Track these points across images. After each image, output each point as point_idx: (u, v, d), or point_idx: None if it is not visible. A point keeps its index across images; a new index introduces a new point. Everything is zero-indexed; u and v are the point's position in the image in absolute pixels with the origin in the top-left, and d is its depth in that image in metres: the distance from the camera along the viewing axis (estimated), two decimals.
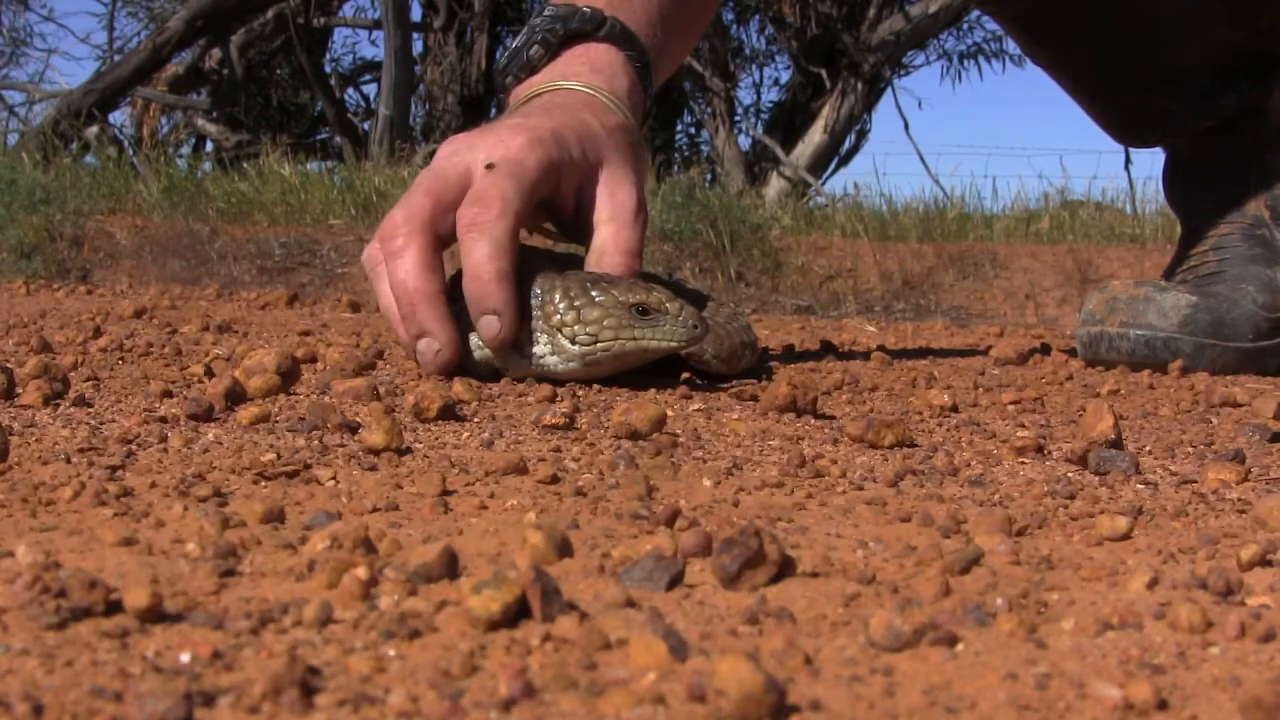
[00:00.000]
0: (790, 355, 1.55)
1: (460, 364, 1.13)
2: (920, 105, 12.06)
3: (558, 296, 1.09)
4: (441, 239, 1.09)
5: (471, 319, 1.09)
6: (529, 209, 1.10)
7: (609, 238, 1.14)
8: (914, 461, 0.81)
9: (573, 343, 1.08)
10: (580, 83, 1.18)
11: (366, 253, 1.14)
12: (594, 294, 1.08)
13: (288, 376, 1.00)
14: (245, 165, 4.34)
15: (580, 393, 1.07)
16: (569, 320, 1.08)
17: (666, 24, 1.26)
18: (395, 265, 1.08)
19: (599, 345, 1.08)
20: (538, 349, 1.10)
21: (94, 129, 5.15)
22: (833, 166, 6.40)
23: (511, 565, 0.54)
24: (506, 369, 1.13)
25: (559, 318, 1.08)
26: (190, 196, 3.62)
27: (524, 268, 1.14)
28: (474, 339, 1.13)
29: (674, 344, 1.08)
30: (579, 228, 1.18)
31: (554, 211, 1.18)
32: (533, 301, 1.11)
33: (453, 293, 1.11)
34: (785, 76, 6.82)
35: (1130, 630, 0.47)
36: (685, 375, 1.19)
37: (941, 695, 0.40)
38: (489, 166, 1.08)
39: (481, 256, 1.05)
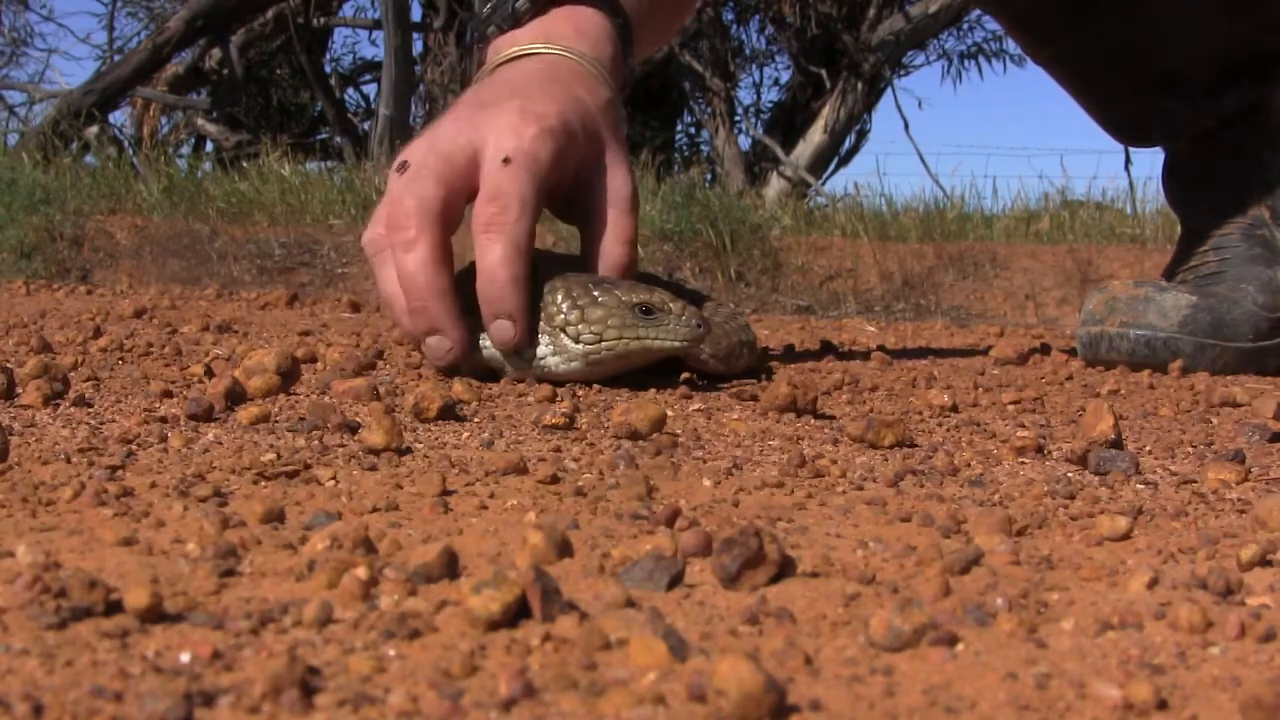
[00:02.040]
0: (790, 355, 1.55)
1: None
2: (920, 105, 12.04)
3: (560, 296, 1.09)
4: (451, 228, 1.08)
5: (484, 321, 1.08)
6: (542, 206, 1.10)
7: (611, 225, 1.13)
8: (914, 461, 0.81)
9: (576, 341, 1.08)
10: (566, 47, 1.15)
11: (368, 236, 1.10)
12: (596, 294, 1.08)
13: (288, 376, 1.00)
14: (245, 165, 4.34)
15: (580, 393, 1.07)
16: (573, 319, 1.08)
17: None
18: (406, 258, 1.05)
19: (603, 344, 1.08)
20: (539, 349, 1.10)
21: (94, 129, 5.15)
22: (833, 166, 6.40)
23: (511, 565, 0.54)
24: (506, 369, 1.13)
25: (562, 317, 1.08)
26: (190, 196, 3.62)
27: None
28: (473, 339, 1.14)
29: (677, 343, 1.08)
30: (573, 211, 1.17)
31: (552, 195, 1.15)
32: (556, 317, 1.10)
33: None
34: (785, 76, 6.82)
35: (1130, 630, 0.47)
36: (685, 375, 1.19)
37: (941, 695, 0.40)
38: (505, 160, 1.06)
39: (497, 259, 1.04)
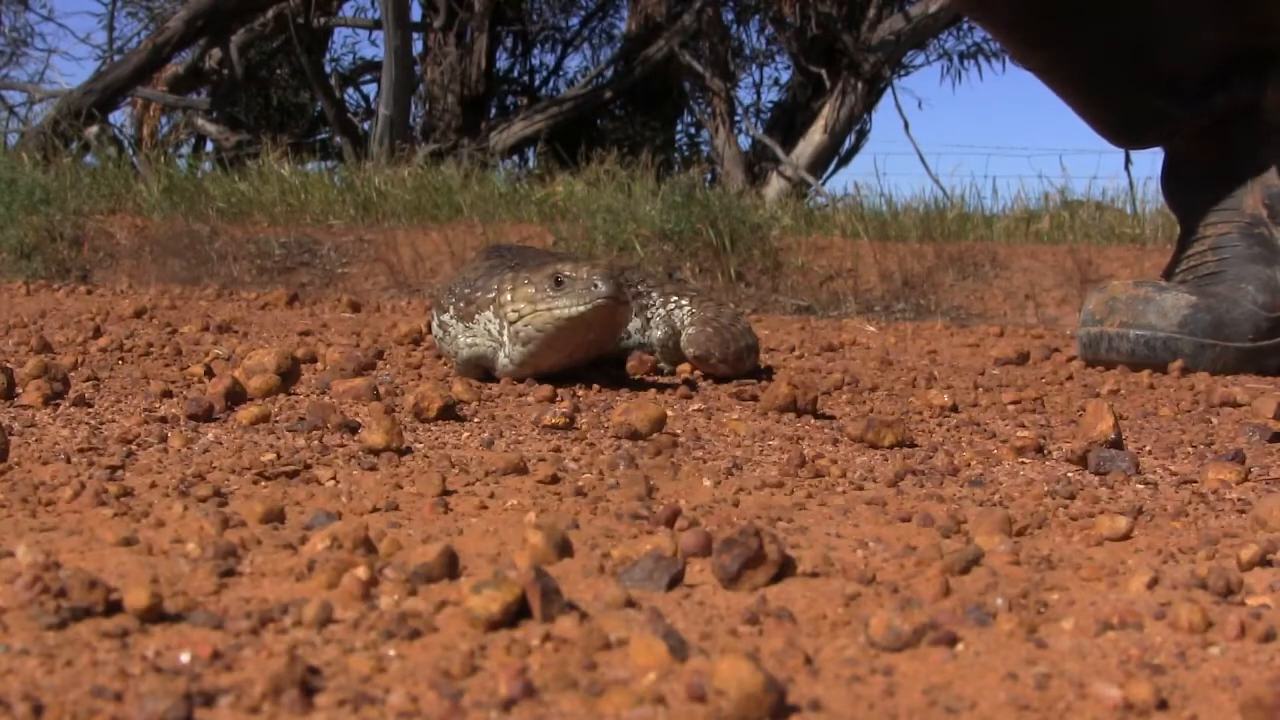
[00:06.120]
0: (790, 355, 1.55)
1: (452, 365, 1.17)
2: (920, 105, 11.97)
3: (507, 284, 1.11)
4: None
5: None
6: None
7: None
8: (914, 461, 0.81)
9: (512, 324, 1.10)
10: None
11: None
12: (525, 274, 1.10)
13: (288, 376, 1.00)
14: (245, 165, 4.33)
15: (580, 393, 1.07)
16: (504, 301, 1.10)
17: None
18: None
19: (522, 320, 1.09)
20: (506, 345, 1.13)
21: (94, 129, 5.15)
22: (833, 166, 6.39)
23: (511, 565, 0.54)
24: (494, 370, 1.14)
25: (503, 298, 1.11)
26: (190, 196, 3.61)
27: (509, 264, 1.17)
28: (463, 340, 1.15)
29: (581, 308, 1.06)
30: None
31: None
32: (499, 298, 1.13)
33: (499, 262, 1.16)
34: (785, 76, 6.81)
35: (1130, 630, 0.47)
36: (685, 375, 1.20)
37: (941, 695, 0.40)
38: None
39: None
